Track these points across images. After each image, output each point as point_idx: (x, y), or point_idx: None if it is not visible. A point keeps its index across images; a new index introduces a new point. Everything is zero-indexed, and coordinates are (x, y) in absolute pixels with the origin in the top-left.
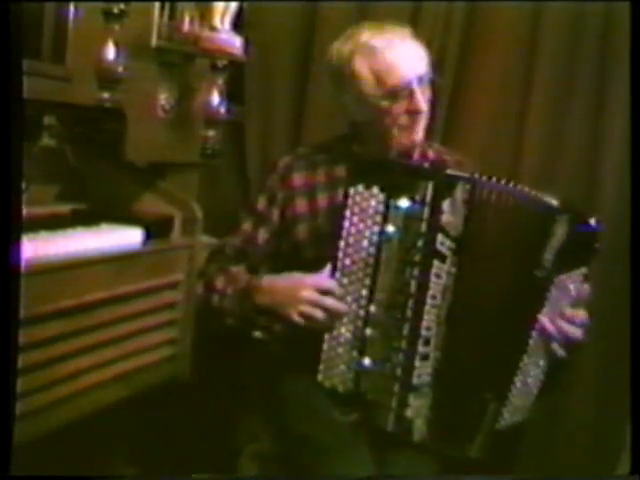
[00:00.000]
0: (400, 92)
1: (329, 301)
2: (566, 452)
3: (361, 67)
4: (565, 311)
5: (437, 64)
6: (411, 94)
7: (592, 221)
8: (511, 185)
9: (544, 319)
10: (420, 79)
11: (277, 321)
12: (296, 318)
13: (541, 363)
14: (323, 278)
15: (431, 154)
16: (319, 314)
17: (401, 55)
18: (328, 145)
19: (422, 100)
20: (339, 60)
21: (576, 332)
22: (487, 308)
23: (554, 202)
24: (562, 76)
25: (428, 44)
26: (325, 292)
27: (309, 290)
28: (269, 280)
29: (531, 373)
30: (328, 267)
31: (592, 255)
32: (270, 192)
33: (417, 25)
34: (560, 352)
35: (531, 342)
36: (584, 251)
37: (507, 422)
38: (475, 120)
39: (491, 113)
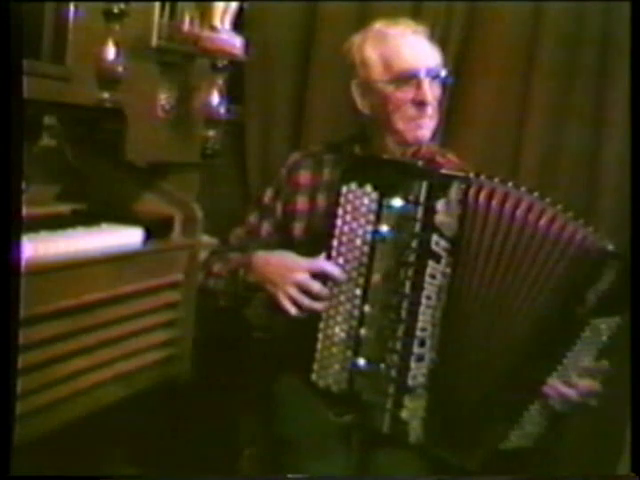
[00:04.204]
0: (407, 79)
1: (317, 287)
2: (566, 452)
3: (371, 53)
4: (587, 363)
5: None
6: (418, 84)
7: None
8: (510, 185)
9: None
10: (429, 71)
11: (267, 303)
12: (283, 300)
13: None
14: (319, 261)
15: (441, 161)
16: (306, 301)
17: (411, 44)
18: (337, 145)
19: (429, 92)
20: (351, 49)
21: (595, 386)
22: (485, 311)
23: (610, 246)
24: (562, 76)
25: None
26: (319, 276)
27: (301, 273)
28: (262, 256)
29: (548, 403)
30: (323, 253)
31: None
32: (277, 186)
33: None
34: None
35: (554, 374)
36: (624, 300)
37: (513, 445)
38: (475, 120)
39: (491, 113)
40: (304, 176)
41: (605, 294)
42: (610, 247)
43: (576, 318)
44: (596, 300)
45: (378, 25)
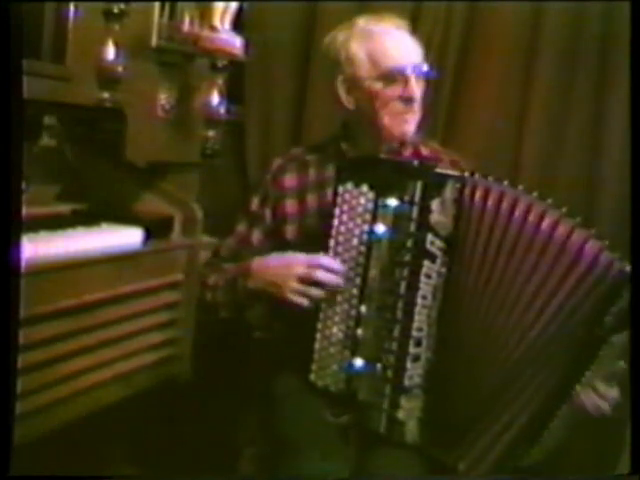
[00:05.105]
0: (394, 76)
1: (322, 275)
2: (566, 452)
3: (357, 50)
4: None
5: (436, 65)
6: (405, 80)
7: None
8: (505, 184)
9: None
10: (414, 68)
11: (269, 303)
12: (289, 296)
13: (571, 413)
14: (317, 257)
15: (425, 152)
16: (313, 291)
17: (397, 41)
18: (320, 145)
19: (416, 88)
20: (335, 45)
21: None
22: (482, 311)
23: (627, 267)
24: (562, 77)
25: (428, 44)
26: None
27: (301, 267)
28: (258, 262)
29: (563, 420)
30: (320, 253)
31: None
32: (263, 192)
33: (417, 25)
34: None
35: (573, 393)
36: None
37: (531, 461)
38: (474, 121)
39: (490, 114)
40: (289, 179)
41: (621, 312)
42: (628, 268)
43: (594, 337)
44: (614, 320)
45: (362, 22)
